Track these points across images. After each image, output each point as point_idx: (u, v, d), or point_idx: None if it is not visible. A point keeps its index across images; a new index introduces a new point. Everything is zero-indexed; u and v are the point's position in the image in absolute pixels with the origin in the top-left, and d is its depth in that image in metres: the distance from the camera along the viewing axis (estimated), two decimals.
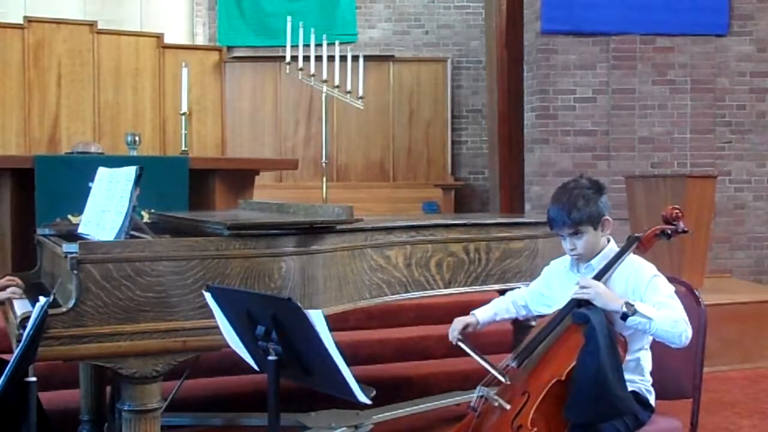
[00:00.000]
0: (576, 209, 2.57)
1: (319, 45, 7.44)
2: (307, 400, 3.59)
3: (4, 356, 2.78)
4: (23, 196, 4.93)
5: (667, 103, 6.87)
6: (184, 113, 6.32)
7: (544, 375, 2.45)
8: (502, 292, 3.79)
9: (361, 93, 7.60)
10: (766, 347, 5.44)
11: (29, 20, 8.63)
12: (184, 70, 6.37)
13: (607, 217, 2.61)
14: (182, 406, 3.71)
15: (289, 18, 7.40)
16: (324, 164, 7.54)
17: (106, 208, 2.86)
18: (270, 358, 2.11)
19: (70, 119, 8.72)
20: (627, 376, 2.48)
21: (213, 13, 10.15)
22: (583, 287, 2.51)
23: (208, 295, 2.32)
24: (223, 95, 9.54)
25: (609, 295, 2.48)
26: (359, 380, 2.04)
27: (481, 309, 2.88)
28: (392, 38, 10.22)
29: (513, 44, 7.91)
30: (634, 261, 2.63)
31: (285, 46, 7.32)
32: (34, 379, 2.30)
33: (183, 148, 6.19)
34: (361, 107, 7.84)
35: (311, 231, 2.83)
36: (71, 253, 2.49)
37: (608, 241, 2.67)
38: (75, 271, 2.47)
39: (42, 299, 2.30)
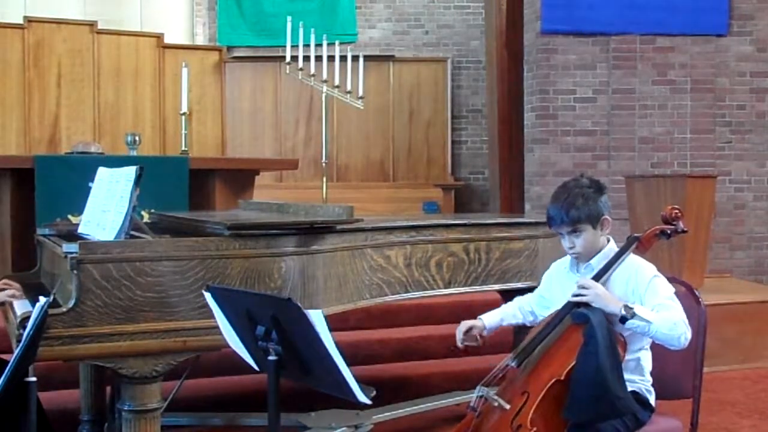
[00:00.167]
0: (574, 208, 2.57)
1: (319, 45, 7.44)
2: (307, 400, 3.58)
3: (4, 356, 2.78)
4: (23, 196, 4.93)
5: (667, 103, 6.87)
6: (184, 113, 6.33)
7: (544, 375, 2.45)
8: (501, 292, 3.82)
9: (361, 93, 7.60)
10: (766, 347, 5.44)
11: (29, 20, 8.64)
12: (184, 70, 6.37)
13: (607, 216, 2.61)
14: (182, 406, 3.71)
15: (289, 18, 7.40)
16: (324, 164, 7.54)
17: (106, 208, 2.86)
18: (270, 358, 2.10)
19: (70, 119, 8.72)
20: (627, 376, 2.48)
21: (213, 13, 10.15)
22: (582, 288, 2.51)
23: (208, 295, 2.32)
24: (223, 95, 9.54)
25: (608, 298, 2.49)
26: (359, 380, 2.04)
27: (488, 314, 2.86)
28: (392, 38, 10.22)
29: (513, 44, 7.91)
30: (634, 261, 2.63)
31: (285, 46, 7.32)
32: (34, 379, 2.30)
33: (183, 148, 6.19)
34: (361, 107, 7.84)
35: (311, 231, 2.83)
36: (71, 253, 2.49)
37: (608, 241, 2.67)
38: (75, 271, 2.47)
39: (42, 299, 2.30)
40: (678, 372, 2.71)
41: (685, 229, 2.69)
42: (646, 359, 2.62)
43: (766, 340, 5.44)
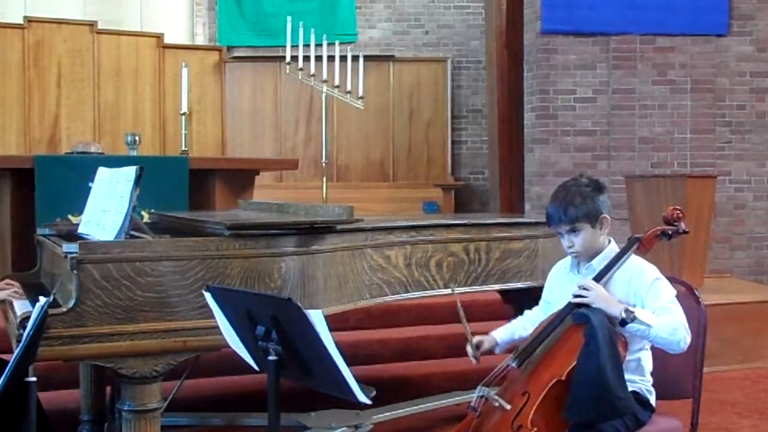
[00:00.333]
0: (573, 206, 2.57)
1: (319, 45, 7.44)
2: (307, 400, 3.58)
3: (4, 356, 2.78)
4: (23, 196, 4.93)
5: (667, 103, 6.87)
6: (184, 113, 6.32)
7: (545, 375, 2.44)
8: (501, 292, 3.82)
9: (361, 93, 7.60)
10: (766, 347, 5.44)
11: (29, 20, 8.64)
12: (184, 70, 6.37)
13: (606, 215, 2.61)
14: (182, 406, 3.71)
15: (289, 18, 7.40)
16: (324, 164, 7.54)
17: (106, 208, 2.85)
18: (270, 358, 2.10)
19: (70, 119, 8.72)
20: (627, 376, 2.48)
21: (213, 13, 10.15)
22: (582, 289, 2.51)
23: (208, 295, 2.32)
24: (223, 95, 9.54)
25: (609, 300, 2.49)
26: (359, 380, 2.04)
27: (499, 330, 2.81)
28: (392, 38, 10.22)
29: (513, 44, 7.91)
30: (636, 263, 2.62)
31: (285, 46, 7.32)
32: (34, 379, 2.30)
33: (183, 148, 6.19)
34: (361, 107, 7.84)
35: (311, 231, 2.82)
36: (71, 253, 2.49)
37: (609, 241, 2.67)
38: (75, 271, 2.47)
39: (42, 299, 2.30)
40: (678, 372, 2.71)
41: (687, 230, 2.68)
42: (647, 359, 2.62)
43: (766, 340, 5.44)
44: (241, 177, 5.66)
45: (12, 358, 2.27)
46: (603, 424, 2.38)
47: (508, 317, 3.99)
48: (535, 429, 2.34)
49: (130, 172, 2.74)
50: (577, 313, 2.49)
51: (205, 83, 9.39)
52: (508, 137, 8.25)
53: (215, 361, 3.75)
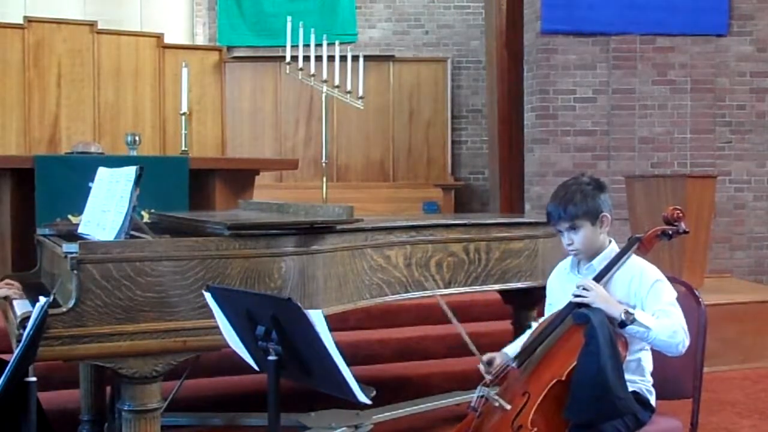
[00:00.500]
0: (572, 203, 2.57)
1: (319, 45, 7.44)
2: (307, 400, 3.59)
3: (4, 356, 2.78)
4: (23, 196, 4.93)
5: (667, 103, 6.87)
6: (184, 113, 6.33)
7: (545, 375, 2.44)
8: (501, 292, 3.82)
9: (361, 93, 7.60)
10: (766, 347, 5.44)
11: (29, 20, 8.64)
12: (184, 70, 6.37)
13: (606, 213, 2.61)
14: (182, 406, 3.71)
15: (289, 18, 7.40)
16: (324, 164, 7.54)
17: (106, 208, 2.85)
18: (270, 358, 2.10)
19: (70, 119, 8.72)
20: (628, 376, 2.48)
21: (213, 13, 10.15)
22: (582, 289, 2.51)
23: (208, 295, 2.32)
24: (223, 95, 9.54)
25: (609, 300, 2.49)
26: (359, 380, 2.04)
27: (510, 346, 2.79)
28: (392, 38, 10.22)
29: (513, 44, 7.91)
30: (637, 263, 2.62)
31: (285, 46, 7.32)
32: (34, 379, 2.30)
33: (183, 148, 6.19)
34: (361, 107, 7.84)
35: (311, 231, 2.82)
36: (71, 253, 2.49)
37: (609, 242, 2.66)
38: (75, 271, 2.47)
39: (42, 299, 2.30)
40: (678, 372, 2.71)
41: (687, 230, 2.68)
42: (647, 360, 2.62)
43: (766, 340, 5.44)
44: (241, 177, 5.66)
45: (12, 358, 2.27)
46: (603, 424, 2.38)
47: (508, 317, 4.01)
48: (536, 429, 2.34)
49: (130, 172, 2.74)
50: (577, 313, 2.49)
51: (205, 83, 9.39)
52: (508, 137, 8.25)
53: (215, 361, 3.75)
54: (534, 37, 6.98)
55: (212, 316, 2.36)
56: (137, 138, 5.79)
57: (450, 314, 2.66)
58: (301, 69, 7.18)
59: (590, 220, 2.59)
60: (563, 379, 2.39)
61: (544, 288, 2.90)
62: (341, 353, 2.00)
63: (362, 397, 2.03)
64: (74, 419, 3.60)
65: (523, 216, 5.28)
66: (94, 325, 2.48)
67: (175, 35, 9.87)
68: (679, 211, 2.68)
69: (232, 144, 9.57)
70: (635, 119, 6.87)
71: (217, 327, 2.36)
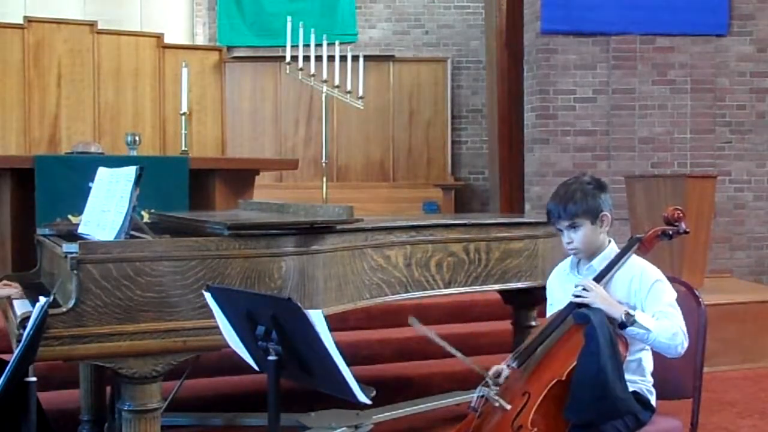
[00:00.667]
0: (573, 202, 2.57)
1: (319, 45, 7.44)
2: (307, 400, 3.59)
3: (4, 356, 2.78)
4: (23, 196, 4.94)
5: (667, 103, 6.87)
6: (184, 113, 6.33)
7: (545, 375, 2.44)
8: (501, 292, 3.82)
9: (361, 93, 7.60)
10: (766, 347, 5.43)
11: (29, 20, 8.64)
12: (184, 70, 6.37)
13: (606, 213, 2.60)
14: (182, 406, 3.71)
15: (289, 18, 7.40)
16: (324, 164, 7.54)
17: (106, 208, 2.86)
18: (270, 358, 2.10)
19: (70, 119, 8.72)
20: (628, 376, 2.48)
21: (213, 13, 10.15)
22: (583, 289, 2.51)
23: (208, 295, 2.32)
24: (223, 95, 9.54)
25: (609, 301, 2.48)
26: (359, 380, 2.04)
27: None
28: (392, 38, 10.22)
29: (513, 44, 7.91)
30: (637, 263, 2.62)
31: (285, 46, 7.33)
32: (34, 379, 2.30)
33: (183, 148, 6.20)
34: (361, 107, 7.84)
35: (311, 231, 2.82)
36: (71, 253, 2.49)
37: (609, 242, 2.66)
38: (75, 271, 2.47)
39: (42, 299, 2.30)
40: (678, 372, 2.71)
41: (687, 230, 2.67)
42: (647, 360, 2.62)
43: (766, 340, 5.44)
44: (241, 177, 5.66)
45: (12, 358, 2.27)
46: (603, 425, 2.38)
47: (508, 317, 4.01)
48: (536, 429, 2.34)
49: (130, 172, 2.75)
50: (577, 313, 2.49)
51: (205, 83, 9.39)
52: (508, 137, 8.25)
53: (215, 361, 3.75)
54: (534, 37, 6.98)
55: (212, 316, 2.36)
56: (137, 138, 5.79)
57: (442, 343, 2.66)
58: (301, 69, 7.18)
59: (590, 218, 2.58)
60: (563, 379, 2.39)
61: (544, 288, 2.89)
62: (341, 353, 2.00)
63: (362, 397, 2.03)
64: (74, 419, 3.60)
65: (523, 216, 5.28)
66: (94, 325, 2.48)
67: (175, 35, 9.88)
68: (679, 212, 2.68)
69: (232, 144, 9.57)
70: (635, 119, 6.87)
71: (217, 327, 2.36)
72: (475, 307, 5.13)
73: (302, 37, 7.20)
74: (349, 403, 2.12)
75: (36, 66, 8.60)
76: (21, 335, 2.33)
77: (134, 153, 5.71)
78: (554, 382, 2.39)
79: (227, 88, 9.59)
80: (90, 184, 3.11)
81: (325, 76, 7.34)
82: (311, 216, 3.08)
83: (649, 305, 2.52)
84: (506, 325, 4.04)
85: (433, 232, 3.35)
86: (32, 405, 2.31)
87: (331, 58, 7.40)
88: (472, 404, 2.58)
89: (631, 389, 2.47)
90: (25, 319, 2.38)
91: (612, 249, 2.65)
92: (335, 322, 2.20)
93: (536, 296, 3.50)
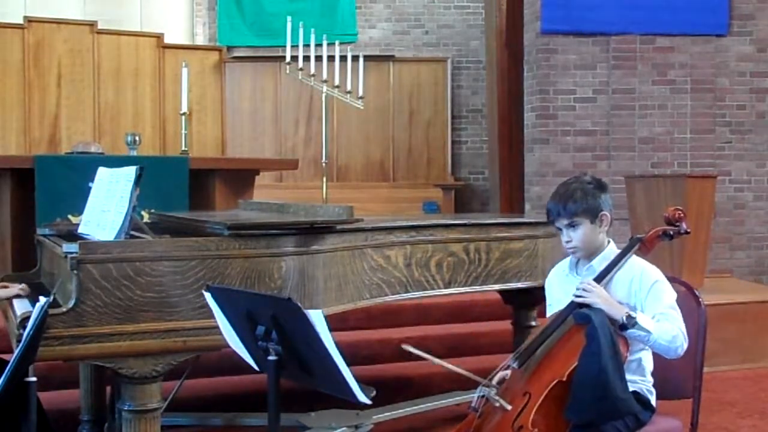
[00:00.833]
0: (572, 200, 2.58)
1: (319, 45, 7.44)
2: (307, 400, 3.59)
3: (4, 356, 2.78)
4: (23, 196, 4.94)
5: (667, 103, 6.87)
6: (184, 113, 6.33)
7: (546, 375, 2.44)
8: (501, 292, 3.82)
9: (361, 93, 7.60)
10: (766, 347, 5.43)
11: (29, 20, 8.64)
12: (184, 70, 6.37)
13: (606, 213, 2.60)
14: (182, 406, 3.71)
15: (289, 18, 7.40)
16: (324, 164, 7.54)
17: (106, 208, 2.85)
18: (270, 358, 2.10)
19: (70, 119, 8.72)
20: (628, 376, 2.47)
21: (213, 13, 10.15)
22: (584, 290, 2.51)
23: (208, 295, 2.32)
24: (223, 95, 9.54)
25: (610, 302, 2.48)
26: (359, 380, 2.04)
27: None
28: (392, 38, 10.22)
29: (513, 44, 7.91)
30: (638, 263, 2.62)
31: (285, 46, 7.33)
32: (34, 379, 2.30)
33: (183, 148, 6.20)
34: (361, 107, 7.84)
35: (311, 231, 2.82)
36: (71, 253, 2.49)
37: (608, 242, 2.66)
38: (75, 271, 2.47)
39: (42, 299, 2.30)
40: (678, 372, 2.71)
41: (688, 230, 2.67)
42: (648, 360, 2.62)
43: (766, 340, 5.44)
44: (241, 177, 5.66)
45: (12, 358, 2.27)
46: (604, 425, 2.37)
47: (508, 317, 4.01)
48: (536, 430, 2.34)
49: (130, 172, 2.75)
50: (578, 313, 2.49)
51: (205, 83, 9.39)
52: (508, 137, 8.25)
53: (215, 361, 3.75)
54: (534, 37, 6.98)
55: (212, 316, 2.36)
56: (137, 138, 5.79)
57: (441, 362, 2.67)
58: (301, 69, 7.18)
59: (590, 218, 2.58)
60: (564, 379, 2.38)
61: (544, 288, 2.89)
62: (341, 353, 2.00)
63: (362, 397, 2.03)
64: (74, 419, 3.60)
65: (523, 216, 5.28)
66: (94, 325, 2.48)
67: (175, 35, 9.87)
68: (680, 212, 2.67)
69: (232, 144, 9.57)
70: (635, 119, 6.87)
71: (217, 327, 2.36)
72: (475, 307, 5.13)
73: (302, 37, 7.20)
74: (349, 403, 2.12)
75: (36, 66, 8.60)
76: (21, 335, 2.33)
77: (134, 153, 5.71)
78: (555, 382, 2.39)
79: (227, 88, 9.59)
80: (90, 184, 3.11)
81: (325, 76, 7.34)
82: (311, 216, 3.08)
83: (649, 306, 2.52)
84: (506, 325, 4.04)
85: (433, 232, 3.34)
86: (32, 405, 2.31)
87: (331, 58, 7.40)
88: (473, 404, 2.58)
89: (631, 389, 2.46)
90: (25, 319, 2.38)
91: (611, 249, 2.65)
92: (335, 322, 2.19)
93: (536, 296, 3.49)
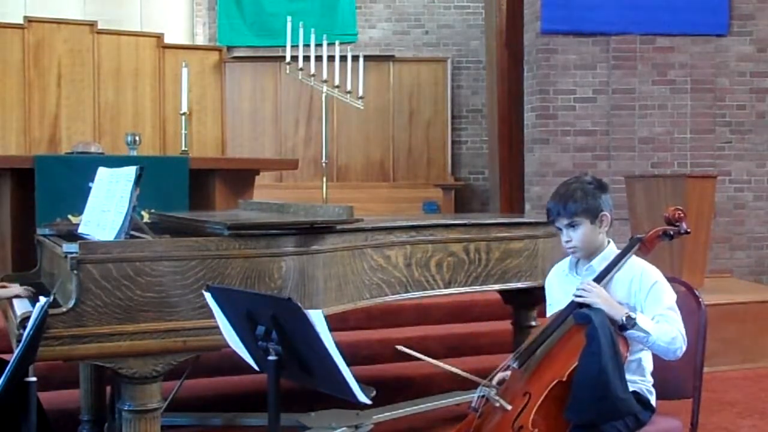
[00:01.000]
0: (573, 200, 2.58)
1: (319, 45, 7.44)
2: (307, 400, 3.59)
3: (4, 356, 2.78)
4: (23, 196, 4.94)
5: (667, 103, 6.87)
6: (184, 113, 6.33)
7: (546, 376, 2.44)
8: (501, 292, 3.82)
9: (361, 93, 7.60)
10: (766, 347, 5.43)
11: (29, 20, 8.64)
12: (184, 70, 6.38)
13: (606, 213, 2.60)
14: (182, 406, 3.71)
15: (289, 18, 7.40)
16: (324, 164, 7.54)
17: (106, 208, 2.85)
18: (270, 358, 2.10)
19: (70, 119, 8.72)
20: (628, 376, 2.47)
21: (213, 13, 10.15)
22: (584, 290, 2.51)
23: (208, 295, 2.32)
24: (223, 95, 9.54)
25: (610, 302, 2.48)
26: (359, 380, 2.04)
27: None
28: (392, 38, 10.22)
29: (513, 44, 7.91)
30: (638, 264, 2.61)
31: (285, 46, 7.32)
32: (34, 379, 2.30)
33: (183, 148, 6.20)
34: (361, 107, 7.84)
35: (311, 231, 2.82)
36: (71, 253, 2.49)
37: (608, 242, 2.66)
38: (75, 271, 2.47)
39: (42, 299, 2.30)
40: (678, 372, 2.71)
41: (689, 230, 2.66)
42: (648, 360, 2.62)
43: (766, 340, 5.44)
44: (241, 177, 5.66)
45: (12, 358, 2.27)
46: (604, 425, 2.37)
47: (508, 317, 4.01)
48: (536, 430, 2.34)
49: (130, 172, 2.75)
50: (578, 313, 2.49)
51: (205, 83, 9.39)
52: (508, 137, 8.25)
53: (215, 361, 3.75)
54: (534, 37, 6.98)
55: (212, 316, 2.36)
56: (137, 138, 5.79)
57: (437, 363, 2.67)
58: (301, 69, 7.18)
59: (590, 218, 2.58)
60: (564, 379, 2.38)
61: (544, 288, 2.89)
62: (341, 353, 2.00)
63: (362, 397, 2.03)
64: (74, 419, 3.60)
65: (523, 216, 5.28)
66: (94, 325, 2.48)
67: (175, 35, 9.87)
68: (680, 212, 2.67)
69: (232, 144, 9.57)
70: (635, 119, 6.87)
71: (217, 327, 2.36)
72: (475, 307, 5.13)
73: (302, 37, 7.20)
74: (349, 403, 2.12)
75: (36, 66, 8.60)
76: (21, 335, 2.33)
77: (134, 153, 5.71)
78: (555, 382, 2.39)
79: (227, 88, 9.59)
80: (90, 184, 3.11)
81: (325, 76, 7.33)
82: (311, 216, 3.08)
83: (649, 307, 2.52)
84: (506, 325, 4.04)
85: (433, 232, 3.34)
86: (32, 405, 2.31)
87: (331, 58, 7.40)
88: (473, 404, 2.58)
89: (631, 389, 2.46)
90: (25, 319, 2.38)
91: (611, 249, 2.65)
92: (335, 322, 2.19)
93: (536, 296, 3.50)
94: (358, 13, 10.07)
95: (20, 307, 2.78)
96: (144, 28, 9.67)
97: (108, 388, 3.50)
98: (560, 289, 2.72)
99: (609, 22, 6.83)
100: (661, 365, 2.64)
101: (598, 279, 2.55)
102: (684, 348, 2.49)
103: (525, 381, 2.51)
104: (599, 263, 2.61)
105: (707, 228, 5.79)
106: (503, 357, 2.69)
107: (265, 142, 9.73)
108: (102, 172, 3.08)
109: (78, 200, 3.38)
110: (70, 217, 4.58)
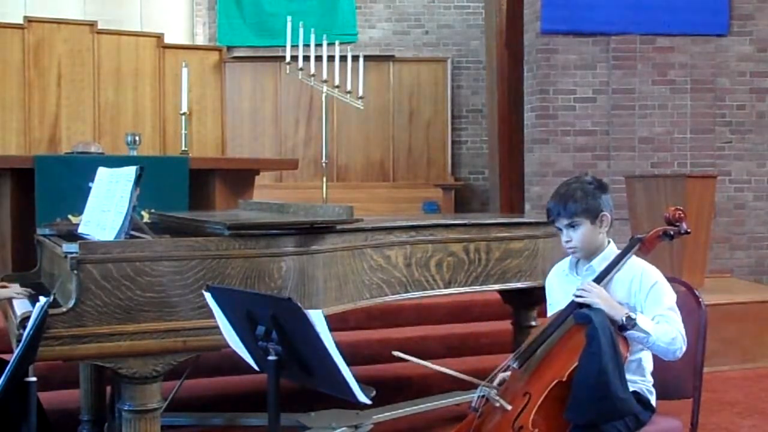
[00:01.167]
0: (573, 200, 2.58)
1: (319, 45, 7.44)
2: (307, 400, 3.58)
3: (4, 356, 2.78)
4: (23, 196, 4.94)
5: (667, 103, 6.87)
6: (184, 113, 6.33)
7: (546, 376, 2.44)
8: (501, 292, 3.82)
9: (361, 93, 7.60)
10: (766, 347, 5.43)
11: (29, 20, 8.63)
12: (184, 70, 6.38)
13: (606, 213, 2.60)
14: (182, 406, 3.71)
15: (289, 18, 7.40)
16: (324, 164, 7.54)
17: (106, 208, 2.86)
18: (270, 358, 2.10)
19: (70, 119, 8.72)
20: (628, 376, 2.47)
21: (213, 13, 10.15)
22: (584, 290, 2.51)
23: (208, 295, 2.32)
24: (223, 95, 9.54)
25: (611, 302, 2.48)
26: (359, 380, 2.04)
27: None
28: (392, 38, 10.22)
29: (513, 44, 7.91)
30: (638, 264, 2.61)
31: (285, 46, 7.32)
32: (34, 379, 2.30)
33: (183, 148, 6.20)
34: (361, 107, 7.84)
35: (311, 231, 2.82)
36: (71, 253, 2.49)
37: (608, 242, 2.66)
38: (75, 271, 2.47)
39: (42, 299, 2.30)
40: (678, 372, 2.71)
41: (689, 230, 2.66)
42: (648, 360, 2.62)
43: (766, 340, 5.44)
44: (241, 177, 5.66)
45: (12, 358, 2.27)
46: (604, 425, 2.37)
47: (508, 317, 4.01)
48: (536, 430, 2.34)
49: (130, 172, 2.75)
50: (578, 313, 2.49)
51: (205, 83, 9.38)
52: (508, 137, 8.25)
53: (215, 361, 3.75)
54: (534, 37, 6.98)
55: (212, 316, 2.36)
56: (137, 138, 5.79)
57: (435, 367, 2.67)
58: (301, 69, 7.18)
59: (590, 218, 2.58)
60: (564, 379, 2.38)
61: (544, 288, 2.89)
62: (341, 353, 2.00)
63: (362, 397, 2.03)
64: (74, 419, 3.60)
65: (523, 216, 5.28)
66: (94, 325, 2.48)
67: (175, 35, 9.87)
68: (680, 212, 2.67)
69: (232, 144, 9.57)
70: (635, 119, 6.87)
71: (217, 327, 2.36)
72: (475, 307, 5.13)
73: (302, 37, 7.19)
74: (349, 403, 2.12)
75: (36, 66, 8.60)
76: (21, 335, 2.33)
77: (134, 153, 5.71)
78: (555, 382, 2.39)
79: (227, 88, 9.58)
80: (90, 184, 3.11)
81: (325, 76, 7.33)
82: (311, 216, 3.08)
83: (649, 307, 2.52)
84: (506, 325, 4.04)
85: (433, 232, 3.34)
86: (32, 405, 2.31)
87: (331, 58, 7.40)
88: (473, 404, 2.58)
89: (631, 389, 2.46)
90: (25, 319, 2.38)
91: (611, 249, 2.65)
92: (335, 322, 2.19)
93: (536, 296, 3.50)
94: (358, 13, 10.08)
95: (20, 307, 2.78)
96: (144, 28, 9.67)
97: (108, 388, 3.50)
98: (560, 289, 2.72)
99: (609, 22, 6.83)
100: (661, 365, 2.64)
101: (598, 279, 2.55)
102: (684, 348, 2.49)
103: (525, 381, 2.51)
104: (599, 263, 2.61)
105: (707, 228, 5.79)
106: (503, 357, 2.69)
107: (265, 142, 9.73)
108: (102, 172, 3.08)
109: (78, 200, 3.38)
110: (70, 217, 4.58)
